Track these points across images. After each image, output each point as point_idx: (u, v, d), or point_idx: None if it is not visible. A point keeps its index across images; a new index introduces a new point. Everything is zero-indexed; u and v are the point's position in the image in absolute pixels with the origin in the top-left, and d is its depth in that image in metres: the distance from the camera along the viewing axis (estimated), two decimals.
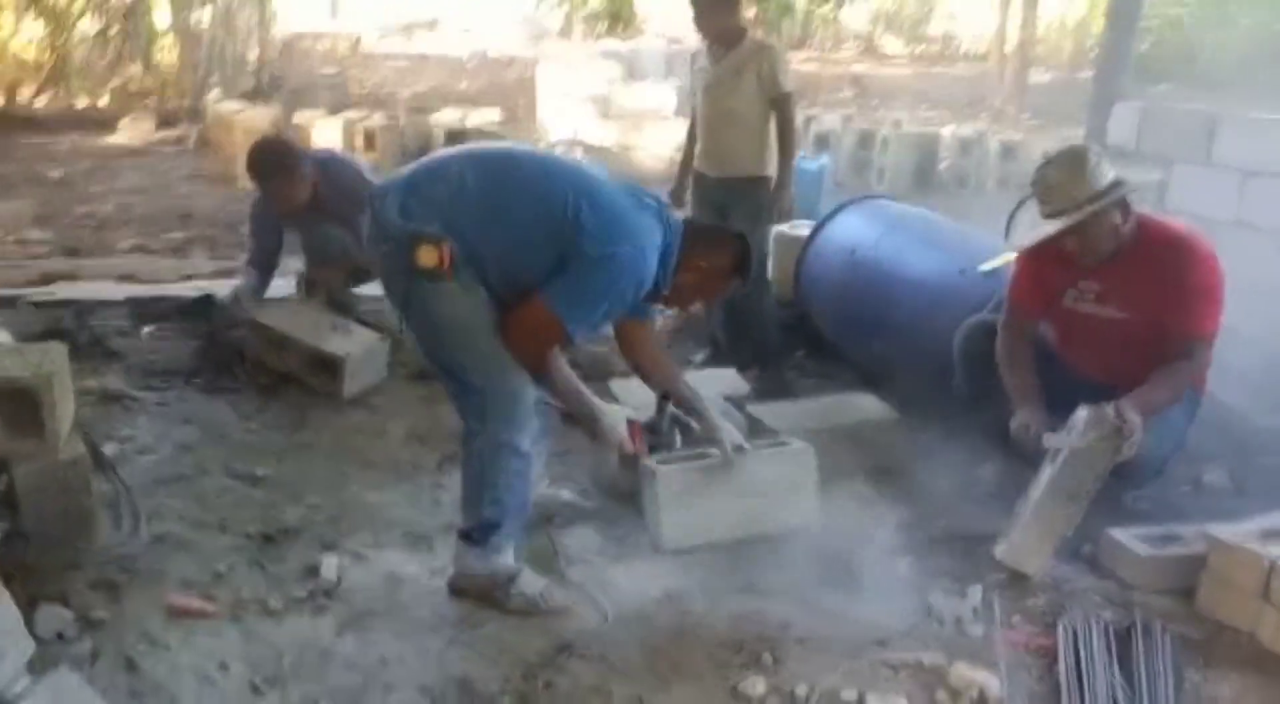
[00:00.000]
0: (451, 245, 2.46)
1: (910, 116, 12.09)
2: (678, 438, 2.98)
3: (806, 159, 7.62)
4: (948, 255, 3.82)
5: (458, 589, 2.63)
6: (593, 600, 2.59)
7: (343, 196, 4.00)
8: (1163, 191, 5.04)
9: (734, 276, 2.73)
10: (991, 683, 2.28)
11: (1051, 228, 2.90)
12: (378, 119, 7.41)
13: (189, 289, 4.90)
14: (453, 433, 3.46)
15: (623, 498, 3.03)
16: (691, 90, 4.32)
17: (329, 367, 3.76)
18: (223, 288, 4.86)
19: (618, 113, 8.43)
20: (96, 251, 6.00)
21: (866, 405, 3.49)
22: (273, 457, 3.32)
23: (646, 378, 2.98)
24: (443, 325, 2.53)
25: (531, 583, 2.61)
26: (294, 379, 3.82)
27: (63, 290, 4.90)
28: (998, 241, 3.96)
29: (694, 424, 2.97)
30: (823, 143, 8.71)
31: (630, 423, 2.84)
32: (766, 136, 3.97)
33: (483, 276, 2.53)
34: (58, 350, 2.85)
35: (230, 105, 7.86)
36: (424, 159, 2.74)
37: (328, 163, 4.10)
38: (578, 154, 7.95)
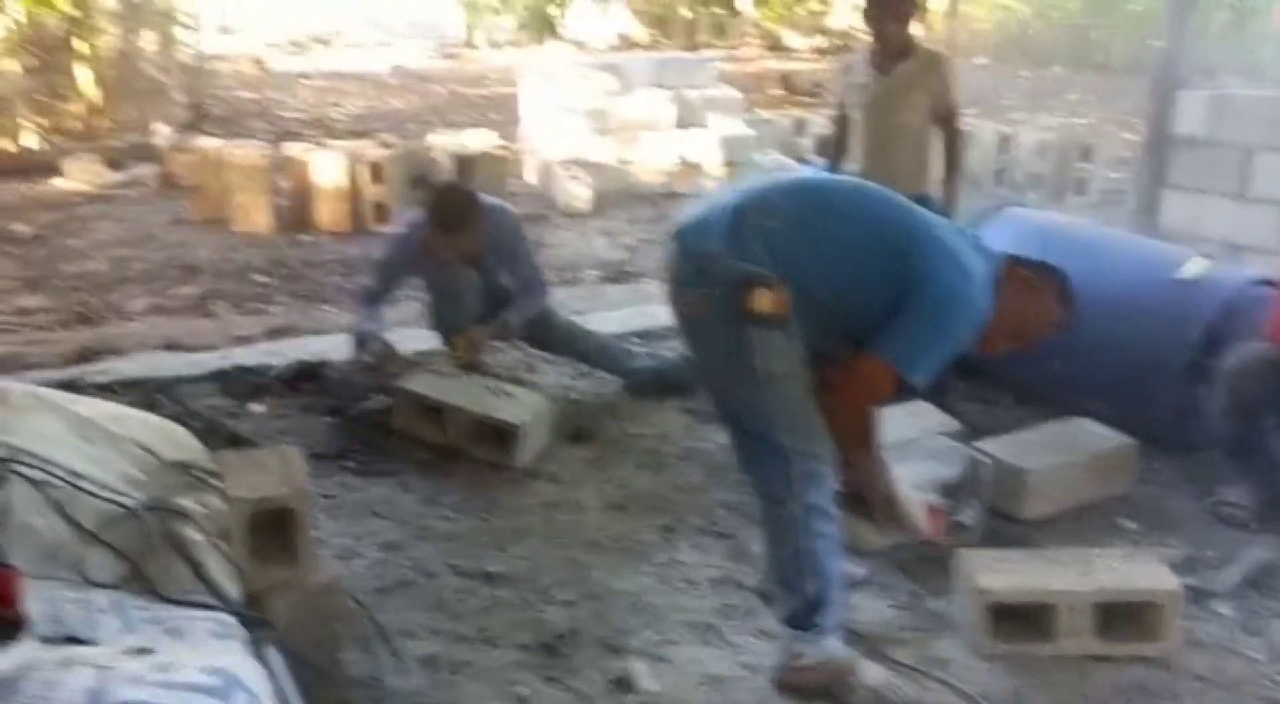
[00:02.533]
0: (787, 290, 2.20)
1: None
2: (978, 521, 2.71)
3: (809, 163, 7.49)
4: (1133, 267, 3.69)
5: (788, 686, 2.36)
6: (962, 694, 2.34)
7: (499, 248, 3.71)
8: (1244, 181, 5.04)
9: (1057, 317, 2.51)
10: None
11: None
12: (380, 149, 6.95)
13: (261, 354, 4.46)
14: (649, 497, 3.25)
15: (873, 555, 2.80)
16: (840, 104, 4.08)
17: (500, 436, 3.42)
18: (296, 348, 4.48)
19: (615, 127, 8.13)
20: (111, 317, 5.44)
21: (1095, 431, 3.33)
22: (488, 546, 2.98)
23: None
24: (762, 378, 2.27)
25: (874, 673, 2.36)
26: (454, 451, 3.47)
27: (121, 367, 4.38)
28: (1169, 247, 3.87)
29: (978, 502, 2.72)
30: (825, 147, 8.57)
31: (933, 508, 2.58)
32: (930, 153, 3.79)
33: (804, 325, 2.27)
34: (293, 455, 2.48)
35: (211, 142, 7.30)
36: (730, 191, 2.46)
37: (495, 211, 3.77)
38: (579, 174, 7.64)
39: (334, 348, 4.49)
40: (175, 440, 2.48)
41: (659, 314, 5.06)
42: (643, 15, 22.49)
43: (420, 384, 3.52)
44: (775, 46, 22.78)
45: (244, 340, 4.83)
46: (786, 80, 16.46)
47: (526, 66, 9.37)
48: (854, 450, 2.38)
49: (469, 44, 21.44)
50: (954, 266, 2.27)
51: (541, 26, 19.23)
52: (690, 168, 8.23)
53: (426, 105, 13.96)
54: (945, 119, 3.77)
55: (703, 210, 2.37)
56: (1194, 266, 3.55)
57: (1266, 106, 5.09)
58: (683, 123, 8.26)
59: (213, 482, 2.43)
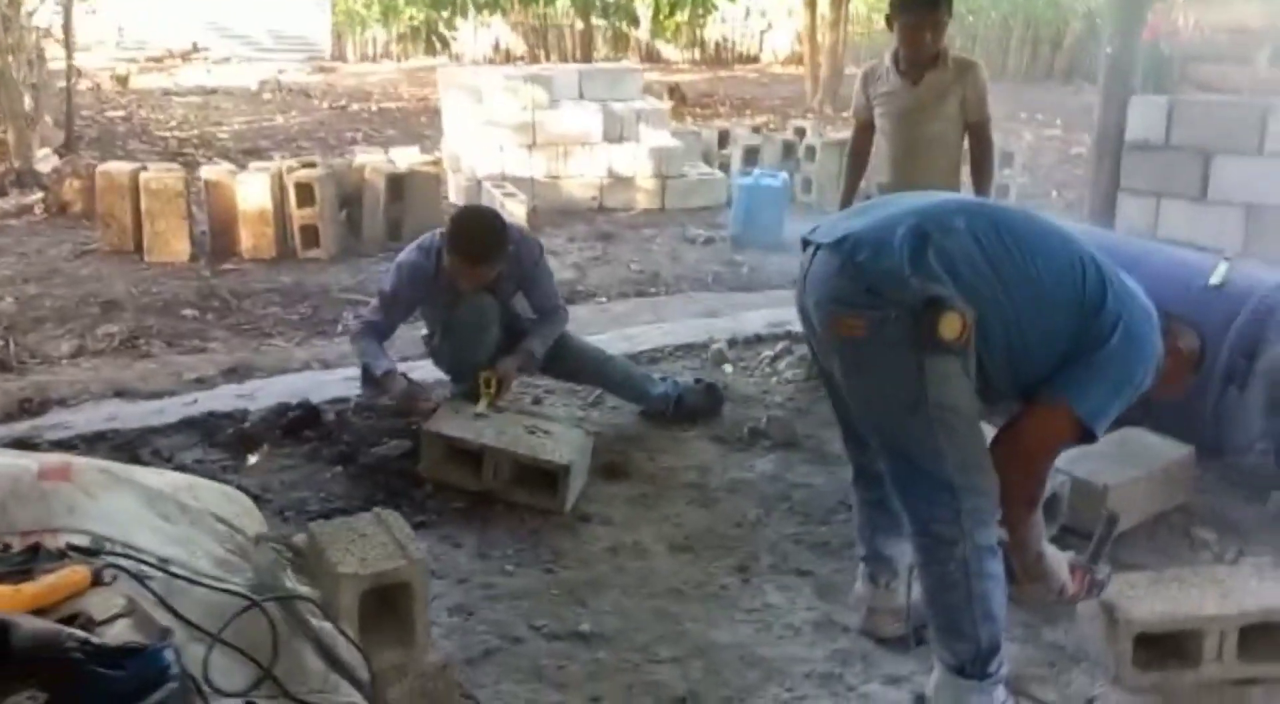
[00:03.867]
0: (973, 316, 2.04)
1: (744, 121, 12.20)
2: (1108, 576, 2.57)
3: (766, 175, 7.42)
4: (1164, 275, 3.67)
5: None
6: None
7: (519, 273, 3.45)
8: (1205, 182, 5.17)
9: (1197, 365, 2.42)
10: None
11: None
12: (306, 170, 6.51)
13: (231, 398, 4.07)
14: (711, 536, 3.06)
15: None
16: (861, 114, 3.95)
17: (543, 478, 3.16)
18: (269, 390, 4.11)
19: (544, 141, 7.88)
20: (35, 363, 4.90)
21: (1154, 441, 3.29)
22: (567, 602, 2.73)
23: None
24: (934, 409, 2.09)
25: None
26: (490, 497, 3.20)
27: (74, 420, 3.92)
28: (1197, 254, 3.89)
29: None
30: (752, 157, 8.52)
31: (1074, 566, 2.45)
32: (960, 163, 3.70)
33: (979, 356, 2.12)
34: (394, 520, 2.19)
35: (119, 165, 6.69)
36: (893, 206, 2.26)
37: (521, 241, 3.49)
38: (513, 190, 7.36)
39: (314, 387, 4.16)
40: (248, 510, 2.18)
41: (643, 336, 4.97)
42: (520, 28, 22.19)
43: (452, 426, 3.23)
44: (652, 58, 22.83)
45: (202, 382, 4.43)
46: (676, 92, 16.47)
47: (449, 79, 8.98)
48: (1020, 508, 2.21)
49: (339, 57, 20.76)
50: (1141, 311, 2.16)
51: (430, 38, 18.72)
52: (621, 182, 8.06)
53: (314, 121, 13.38)
54: (976, 129, 3.71)
55: (866, 224, 2.17)
56: (1221, 271, 3.57)
57: (1221, 111, 5.23)
58: (611, 136, 8.06)
59: (298, 556, 2.14)
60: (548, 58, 20.29)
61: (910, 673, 2.45)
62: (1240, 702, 2.35)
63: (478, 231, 3.36)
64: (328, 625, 1.83)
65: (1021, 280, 2.11)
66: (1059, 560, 2.34)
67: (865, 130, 3.98)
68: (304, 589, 1.91)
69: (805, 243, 2.30)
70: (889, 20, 3.70)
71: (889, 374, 2.11)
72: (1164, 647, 2.40)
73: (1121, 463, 3.17)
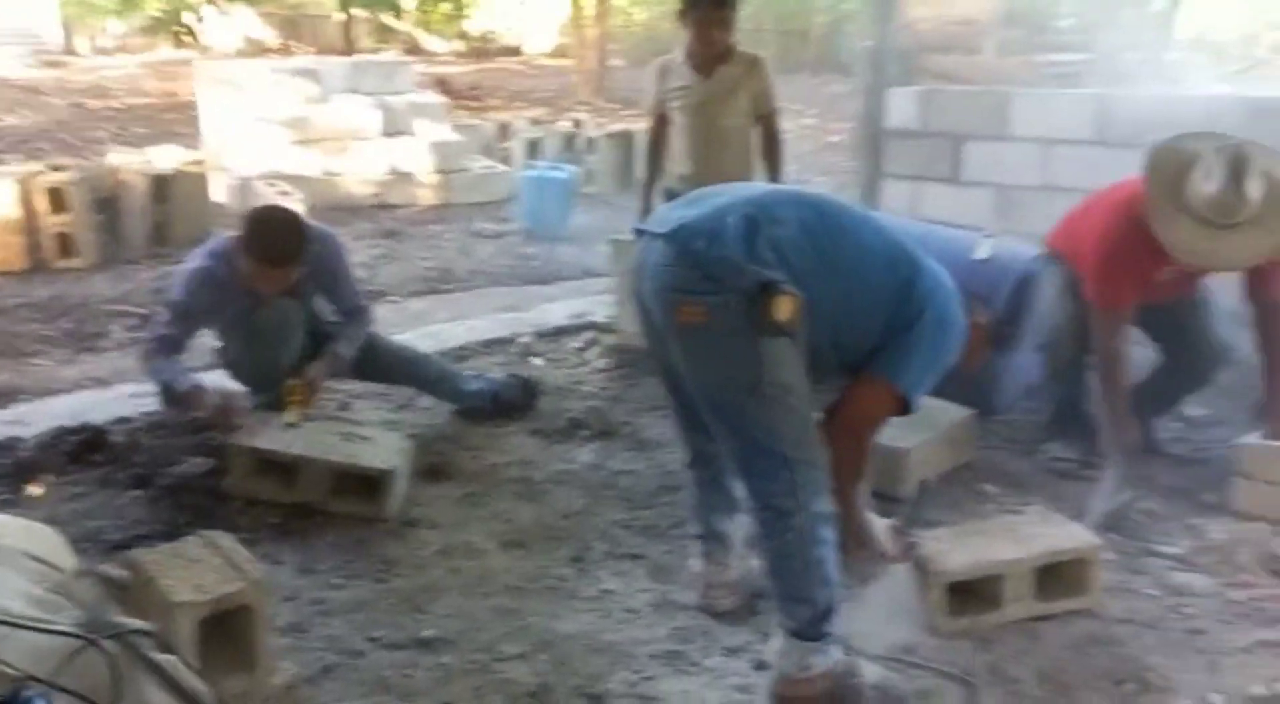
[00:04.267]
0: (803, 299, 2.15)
1: (519, 114, 12.21)
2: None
3: (552, 167, 7.45)
4: (937, 252, 3.96)
5: (792, 698, 2.32)
6: (950, 675, 2.41)
7: (320, 274, 3.32)
8: (958, 166, 5.61)
9: (993, 339, 2.64)
10: None
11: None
12: (56, 173, 5.97)
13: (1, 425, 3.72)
14: (542, 529, 3.09)
15: None
16: (657, 107, 4.03)
17: (364, 486, 3.07)
18: (42, 413, 3.80)
19: (317, 136, 7.58)
20: None
21: (937, 405, 3.54)
22: (404, 610, 2.66)
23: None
24: (770, 389, 2.19)
25: (871, 672, 2.38)
26: (308, 510, 3.08)
27: None
28: (962, 231, 4.20)
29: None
30: (534, 149, 8.53)
31: (893, 529, 2.62)
32: (751, 154, 3.85)
33: (809, 337, 2.24)
34: (226, 542, 2.08)
35: None
36: (721, 196, 2.33)
37: (322, 239, 3.33)
38: (286, 188, 7.06)
39: (93, 407, 3.88)
40: (60, 545, 2.02)
41: (446, 334, 4.89)
42: (271, 19, 21.22)
43: (263, 438, 3.09)
44: (414, 50, 22.37)
45: None
46: (444, 84, 16.22)
47: (206, 73, 8.46)
48: (849, 478, 2.36)
49: (69, 51, 19.18)
50: (948, 292, 2.32)
51: (174, 30, 17.56)
52: (402, 178, 7.89)
53: (50, 120, 12.33)
54: (766, 120, 3.87)
55: (700, 214, 2.24)
56: (985, 246, 3.89)
57: (970, 100, 5.68)
58: (389, 130, 7.87)
59: (120, 588, 2.01)
60: (304, 49, 19.50)
61: (747, 642, 2.55)
62: (1035, 636, 2.58)
63: (277, 233, 3.21)
64: (169, 657, 1.72)
65: (844, 265, 2.24)
66: (879, 527, 2.52)
67: (662, 124, 4.08)
68: (139, 622, 1.78)
69: (639, 232, 2.35)
70: (681, 15, 3.81)
71: (729, 357, 2.19)
72: (970, 593, 2.62)
73: (913, 428, 3.41)
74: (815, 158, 10.67)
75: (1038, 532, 2.74)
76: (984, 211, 5.44)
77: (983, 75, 11.56)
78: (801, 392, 2.24)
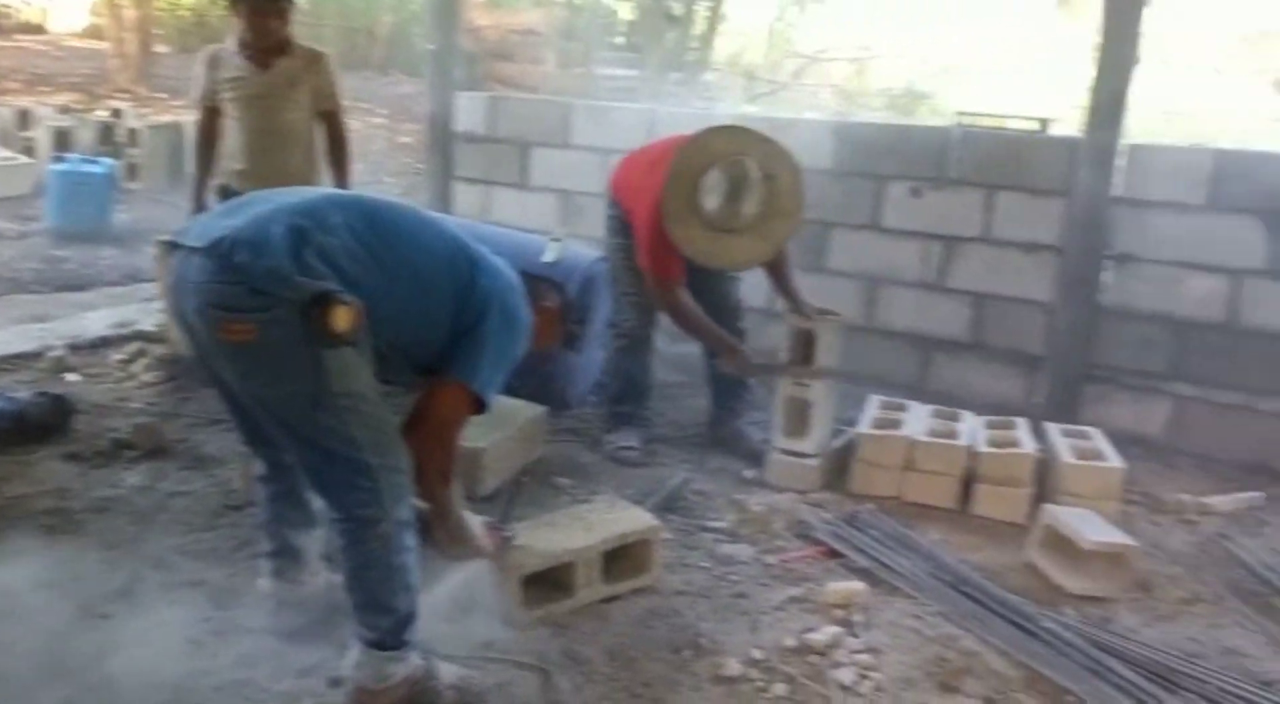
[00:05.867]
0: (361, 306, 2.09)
1: (46, 100, 10.92)
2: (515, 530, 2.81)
3: (86, 160, 6.68)
4: (510, 255, 4.06)
5: None
6: (525, 665, 2.48)
7: None
8: (525, 171, 5.81)
9: (566, 318, 2.72)
10: (858, 585, 2.89)
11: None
12: None
13: None
14: (85, 564, 2.77)
15: None
16: (206, 98, 3.69)
17: None
18: None
19: None
20: None
21: (507, 403, 3.63)
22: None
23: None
24: (342, 399, 2.12)
25: (448, 671, 2.39)
26: None
27: None
28: (530, 236, 4.32)
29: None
30: (64, 140, 7.59)
31: (489, 526, 2.65)
32: (316, 152, 3.67)
33: (374, 343, 2.19)
34: None
35: None
36: (265, 204, 2.17)
37: None
38: None
39: None
40: None
41: None
42: None
43: None
44: None
45: None
46: None
47: None
48: (437, 480, 2.33)
49: None
50: (508, 286, 2.35)
51: None
52: None
53: None
54: (330, 117, 3.72)
55: (242, 225, 2.09)
56: (553, 250, 4.06)
57: (535, 108, 5.89)
58: None
59: None
60: None
61: (322, 660, 2.45)
62: (605, 616, 2.74)
63: None
64: None
65: (402, 268, 2.21)
66: (476, 524, 2.54)
67: (212, 116, 3.81)
68: None
69: (172, 245, 2.16)
70: (233, 3, 3.57)
71: (288, 373, 2.08)
72: (545, 582, 2.72)
73: (487, 427, 3.48)
74: (386, 158, 10.53)
75: (605, 518, 2.90)
76: (551, 216, 5.68)
77: (546, 85, 12.06)
78: (374, 397, 2.19)
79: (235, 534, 3.00)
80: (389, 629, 2.26)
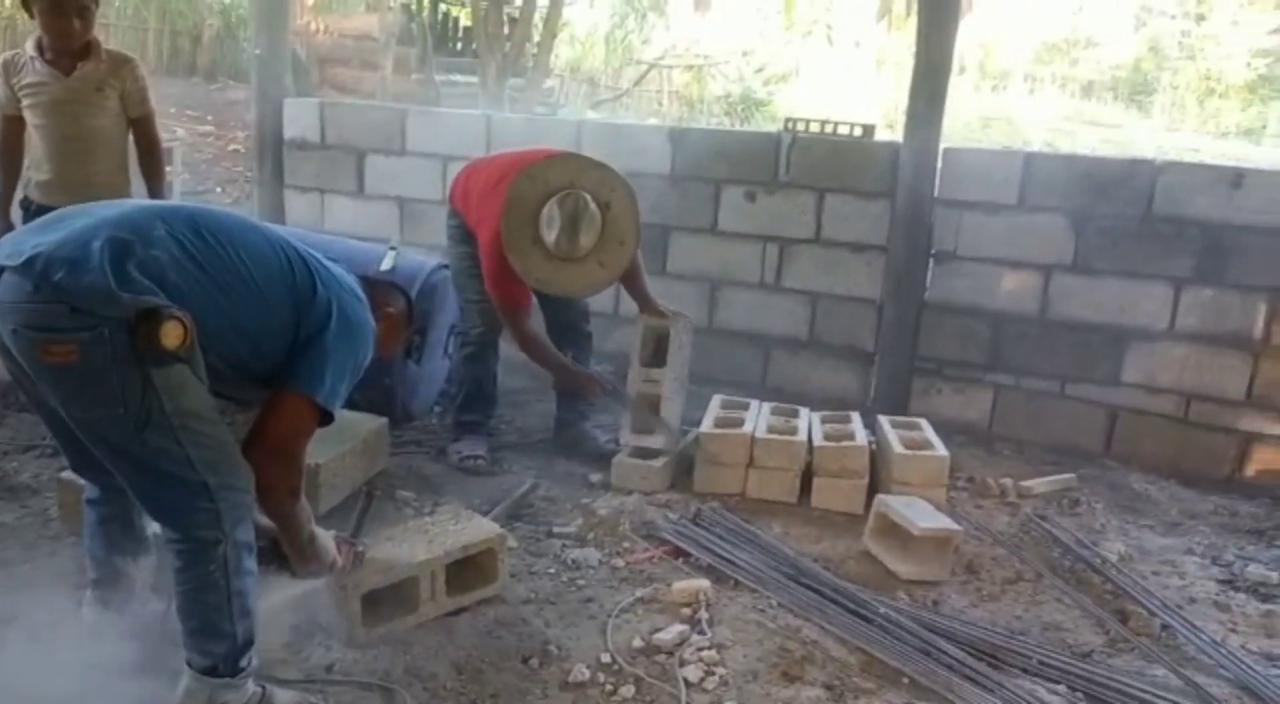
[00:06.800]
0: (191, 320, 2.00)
1: None
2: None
3: None
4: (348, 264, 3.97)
5: None
6: (367, 685, 2.42)
7: None
8: (361, 179, 5.68)
9: (410, 322, 2.66)
10: (703, 583, 2.93)
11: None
12: None
13: None
14: None
15: None
16: (6, 106, 3.45)
17: None
18: None
19: None
20: None
21: (347, 416, 3.55)
22: None
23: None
24: (175, 418, 2.02)
25: (285, 697, 2.32)
26: None
27: None
28: (367, 244, 4.22)
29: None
30: None
31: (341, 540, 2.56)
32: (127, 160, 3.49)
33: (208, 358, 2.10)
34: None
35: None
36: (84, 218, 2.05)
37: None
38: None
39: None
40: None
41: None
42: None
43: None
44: None
45: None
46: None
47: None
48: (284, 498, 2.24)
49: None
50: (348, 292, 2.28)
51: None
52: None
53: None
54: (140, 124, 3.54)
55: (58, 241, 1.96)
56: (390, 258, 3.98)
57: (369, 114, 5.77)
58: None
59: None
60: None
61: (152, 695, 2.33)
62: (451, 630, 2.70)
63: None
64: None
65: (233, 278, 2.13)
66: (327, 539, 2.47)
67: (12, 124, 3.57)
68: None
69: None
70: (26, 4, 3.36)
71: (114, 394, 1.97)
72: (387, 599, 2.66)
73: (327, 441, 3.38)
74: (215, 167, 10.11)
75: (448, 529, 2.86)
76: (388, 224, 5.58)
77: (383, 91, 11.83)
78: (210, 415, 2.10)
79: (54, 565, 2.83)
80: (224, 655, 2.18)
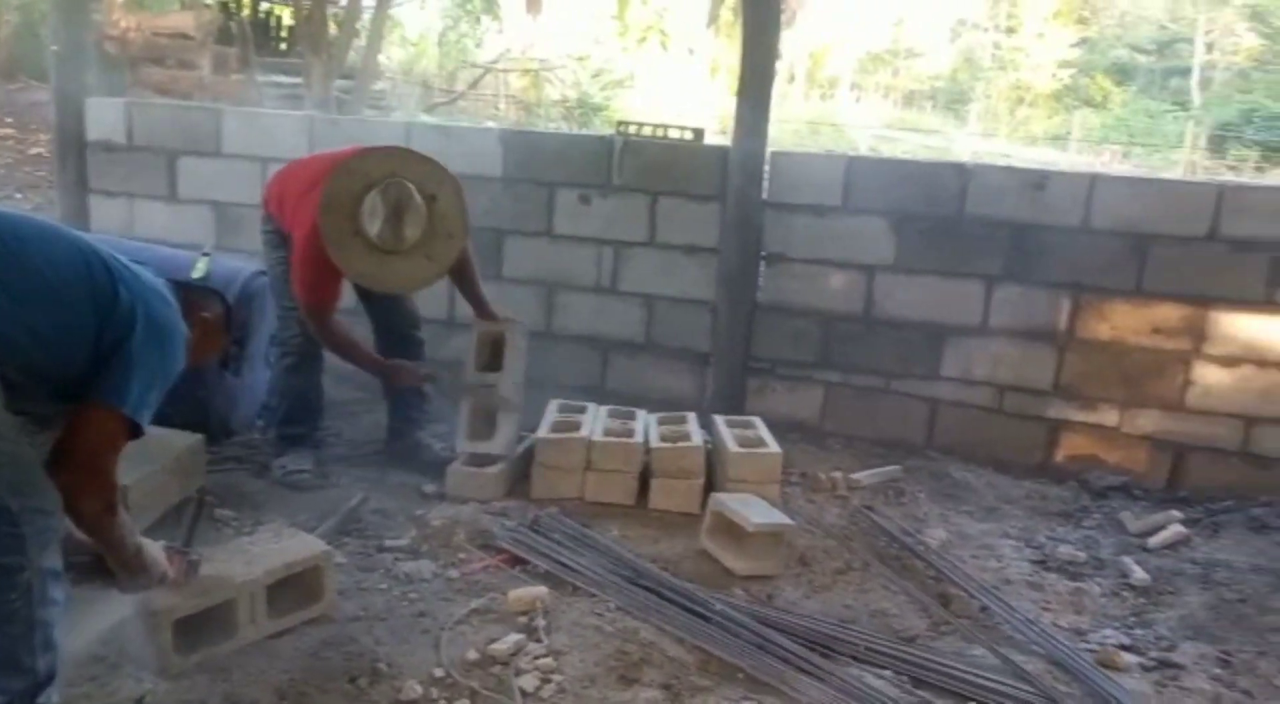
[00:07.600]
0: None
1: None
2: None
3: None
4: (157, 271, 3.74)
5: None
6: None
7: None
8: (173, 182, 5.39)
9: (228, 330, 2.51)
10: (541, 590, 2.89)
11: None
12: None
13: None
14: None
15: None
16: None
17: None
18: None
19: None
20: None
21: (163, 434, 3.34)
22: None
23: None
24: None
25: None
26: None
27: None
28: (176, 251, 3.99)
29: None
30: None
31: (171, 550, 2.41)
32: None
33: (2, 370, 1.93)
34: None
35: None
36: None
37: None
38: None
39: None
40: None
41: None
42: None
43: None
44: None
45: None
46: None
47: None
48: (100, 514, 2.08)
49: None
50: (155, 295, 2.12)
51: None
52: None
53: None
54: None
55: None
56: (202, 265, 3.78)
57: (181, 115, 5.48)
58: None
59: None
60: None
61: None
62: (273, 653, 2.57)
63: None
64: None
65: (28, 287, 1.96)
66: (155, 550, 2.33)
67: None
68: None
69: None
70: None
71: None
72: (203, 624, 2.51)
73: (135, 460, 3.17)
74: (16, 172, 9.45)
75: (269, 548, 2.73)
76: (204, 229, 5.31)
77: (201, 91, 11.30)
78: (8, 433, 1.93)
79: None
80: (22, 692, 2.00)
